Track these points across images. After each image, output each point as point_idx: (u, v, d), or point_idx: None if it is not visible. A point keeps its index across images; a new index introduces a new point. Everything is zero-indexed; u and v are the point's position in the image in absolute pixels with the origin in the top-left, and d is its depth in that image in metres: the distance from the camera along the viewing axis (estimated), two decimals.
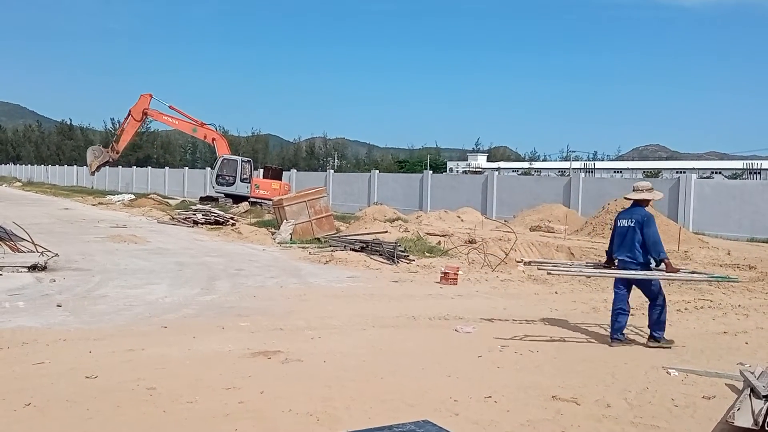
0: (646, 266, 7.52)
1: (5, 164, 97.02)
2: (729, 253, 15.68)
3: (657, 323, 7.47)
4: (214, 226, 22.02)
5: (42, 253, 12.32)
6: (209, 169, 47.91)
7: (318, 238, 17.87)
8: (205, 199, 32.39)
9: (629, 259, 7.52)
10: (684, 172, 42.98)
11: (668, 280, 8.14)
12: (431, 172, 36.18)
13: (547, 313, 9.29)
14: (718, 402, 5.46)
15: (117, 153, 31.90)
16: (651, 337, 7.51)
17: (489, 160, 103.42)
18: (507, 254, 14.13)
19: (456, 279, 11.60)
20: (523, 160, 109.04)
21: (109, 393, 5.27)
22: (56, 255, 12.41)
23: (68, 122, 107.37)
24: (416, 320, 8.55)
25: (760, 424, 4.53)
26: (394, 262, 13.51)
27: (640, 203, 7.71)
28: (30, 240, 12.90)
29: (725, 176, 67.32)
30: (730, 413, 4.85)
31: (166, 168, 59.41)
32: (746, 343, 7.76)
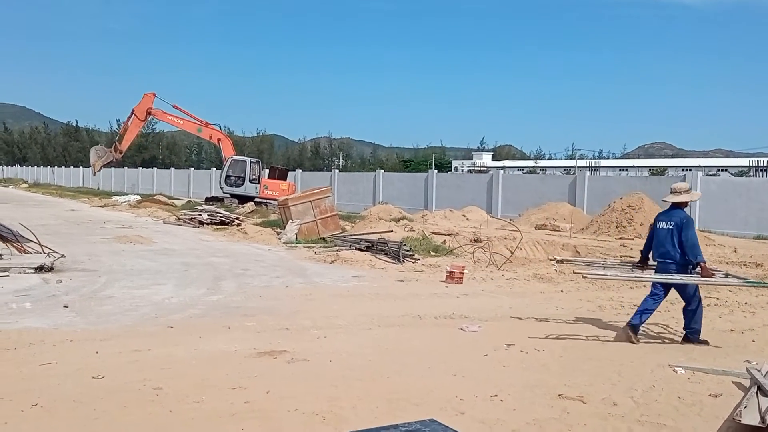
0: (685, 268, 7.51)
1: (12, 166, 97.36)
2: (735, 251, 15.64)
3: (691, 325, 7.47)
4: (220, 227, 22.06)
5: (48, 254, 12.36)
6: (214, 169, 48.03)
7: (323, 238, 17.88)
8: (210, 200, 32.40)
9: (669, 261, 7.53)
10: (690, 170, 42.78)
11: (703, 284, 8.12)
12: (436, 171, 36.14)
13: (553, 311, 9.28)
14: (725, 400, 5.44)
15: (120, 153, 31.70)
16: (686, 338, 7.52)
17: (494, 158, 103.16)
18: (512, 253, 14.11)
19: (461, 278, 11.60)
20: (529, 158, 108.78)
21: (116, 393, 5.29)
22: (63, 256, 12.46)
23: (74, 124, 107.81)
24: (422, 319, 8.55)
25: (767, 421, 4.51)
26: (400, 262, 13.51)
27: (678, 205, 7.71)
28: (36, 241, 12.95)
29: (731, 174, 67.03)
30: (737, 411, 4.83)
31: (172, 169, 59.55)
32: (753, 341, 7.74)
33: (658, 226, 7.75)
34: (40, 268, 11.48)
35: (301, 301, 9.76)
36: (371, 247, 14.75)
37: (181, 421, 4.75)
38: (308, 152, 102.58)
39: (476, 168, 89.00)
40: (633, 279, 8.32)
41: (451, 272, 11.73)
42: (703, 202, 22.79)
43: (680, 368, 6.32)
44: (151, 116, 32.20)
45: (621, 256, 9.78)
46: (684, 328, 7.62)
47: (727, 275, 8.13)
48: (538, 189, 28.06)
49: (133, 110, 30.79)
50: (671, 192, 7.82)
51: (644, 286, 11.17)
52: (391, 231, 17.09)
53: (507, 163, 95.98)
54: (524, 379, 5.95)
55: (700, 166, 68.97)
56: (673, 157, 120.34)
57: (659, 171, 70.47)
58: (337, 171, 42.48)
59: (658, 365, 6.47)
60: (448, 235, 17.17)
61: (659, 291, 7.63)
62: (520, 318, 8.79)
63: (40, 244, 12.86)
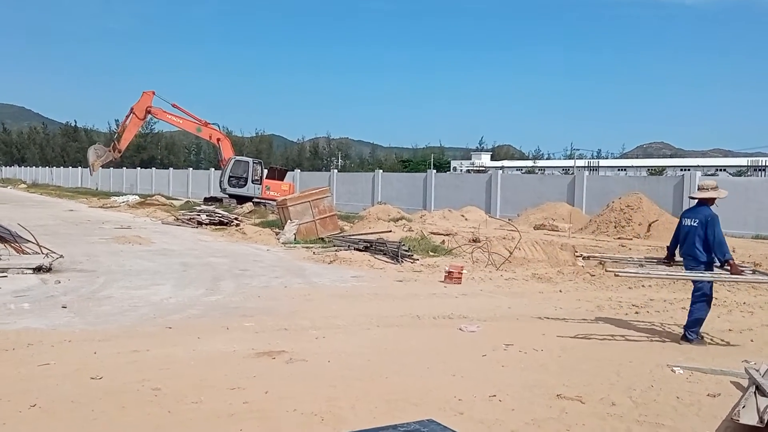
0: (708, 265, 7.51)
1: (10, 166, 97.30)
2: (734, 250, 15.59)
3: (694, 322, 7.51)
4: (219, 227, 22.06)
5: (47, 254, 12.36)
6: (213, 170, 47.98)
7: (322, 238, 17.88)
8: (209, 200, 32.36)
9: (690, 258, 7.56)
10: (688, 170, 42.80)
11: (733, 281, 8.10)
12: (435, 171, 36.12)
13: (551, 311, 9.29)
14: (723, 400, 5.44)
15: (119, 152, 31.28)
16: (684, 337, 7.53)
17: (493, 158, 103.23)
18: (511, 253, 14.12)
19: (460, 278, 11.60)
20: (527, 158, 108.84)
21: (114, 394, 5.29)
22: (61, 256, 12.45)
23: (73, 124, 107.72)
24: (420, 319, 8.55)
25: (765, 421, 4.52)
26: (398, 262, 13.52)
27: (705, 202, 7.71)
28: (35, 242, 12.94)
29: (730, 173, 67.09)
30: (735, 411, 4.84)
31: (170, 169, 59.48)
32: (751, 341, 7.75)
33: (683, 223, 7.76)
34: (38, 269, 11.47)
35: (300, 301, 9.76)
36: (370, 247, 14.76)
37: (179, 422, 4.75)
38: (307, 152, 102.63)
39: (475, 168, 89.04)
40: (664, 276, 8.27)
41: (449, 272, 11.74)
42: None
43: (678, 368, 6.32)
44: (150, 115, 31.76)
45: (645, 256, 9.70)
46: (684, 327, 7.61)
47: (754, 272, 8.09)
48: (536, 189, 28.06)
49: (132, 109, 30.39)
50: (698, 188, 7.84)
51: (649, 285, 11.21)
52: (390, 231, 17.10)
53: (506, 163, 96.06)
54: (523, 379, 5.95)
55: (698, 166, 69.10)
56: (671, 156, 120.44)
57: (658, 171, 70.52)
58: (335, 171, 42.47)
59: (657, 365, 6.48)
60: (447, 235, 17.17)
61: (701, 287, 7.63)
62: (518, 318, 8.80)
63: (38, 244, 12.85)
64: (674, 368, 6.33)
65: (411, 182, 34.59)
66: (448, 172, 66.42)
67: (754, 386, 5.19)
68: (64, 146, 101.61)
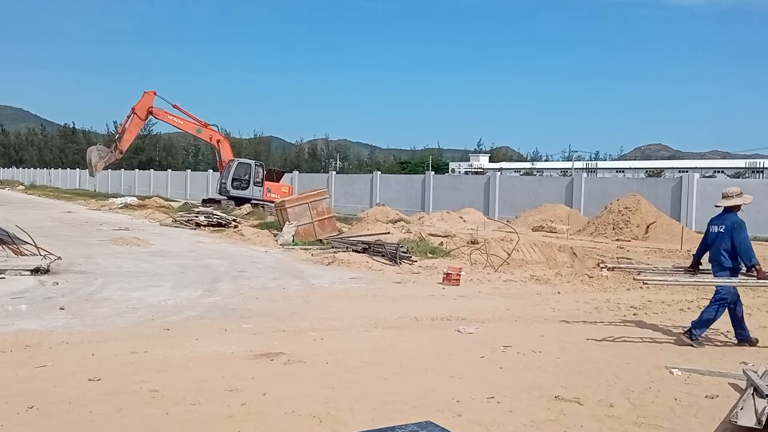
0: (733, 271, 7.54)
1: (8, 168, 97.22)
2: None
3: (703, 322, 7.49)
4: (217, 229, 22.05)
5: (45, 256, 12.33)
6: (211, 171, 47.95)
7: (320, 240, 17.88)
8: (207, 202, 32.33)
9: (716, 264, 7.61)
10: (686, 172, 42.89)
11: (761, 287, 8.08)
12: (433, 172, 36.18)
13: (549, 313, 9.29)
14: (721, 401, 5.45)
15: (121, 153, 31.07)
16: (688, 332, 7.51)
17: (491, 160, 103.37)
18: (509, 255, 14.12)
19: (458, 280, 11.60)
20: (526, 160, 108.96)
21: (112, 395, 5.28)
22: (59, 258, 12.43)
23: (71, 126, 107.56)
24: (419, 321, 8.54)
25: (764, 423, 4.52)
26: (397, 263, 13.52)
27: (731, 209, 7.75)
28: (33, 243, 12.92)
29: (728, 175, 67.17)
30: (733, 412, 4.84)
31: (169, 170, 59.44)
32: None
33: (710, 230, 7.82)
34: (36, 271, 11.46)
35: (298, 303, 9.76)
36: (368, 248, 14.76)
37: (177, 423, 4.74)
38: (305, 154, 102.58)
39: (473, 170, 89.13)
40: (692, 283, 8.28)
41: (448, 274, 11.73)
42: (699, 203, 22.84)
43: (677, 370, 6.33)
44: (151, 116, 31.38)
45: (673, 264, 9.65)
46: (693, 321, 7.60)
47: None
48: (535, 190, 28.09)
49: (133, 109, 30.12)
50: (723, 197, 7.87)
51: (647, 287, 11.21)
52: (388, 233, 17.10)
53: (504, 164, 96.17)
54: (521, 380, 5.95)
55: (696, 168, 69.25)
56: (669, 158, 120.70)
57: (656, 172, 70.66)
58: (334, 173, 42.51)
59: (655, 367, 6.48)
60: (445, 236, 17.17)
61: (721, 291, 7.63)
62: (516, 320, 8.80)
63: (36, 246, 12.83)
64: (672, 370, 6.34)
65: (409, 184, 34.62)
66: (446, 174, 66.51)
67: (752, 388, 5.19)
68: (62, 148, 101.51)
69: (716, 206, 7.98)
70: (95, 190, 56.78)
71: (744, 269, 7.53)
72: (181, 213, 27.71)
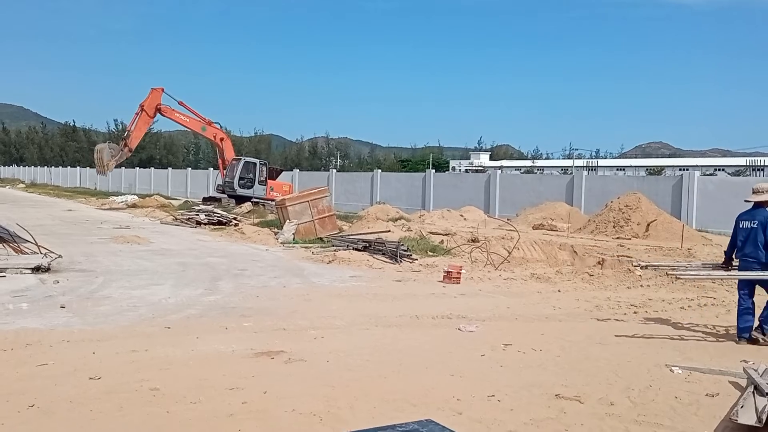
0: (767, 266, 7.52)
1: (9, 166, 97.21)
2: None
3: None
4: (217, 227, 22.05)
5: (45, 254, 12.34)
6: (212, 169, 47.94)
7: (321, 238, 17.88)
8: (208, 200, 32.30)
9: (752, 260, 7.59)
10: (687, 170, 42.85)
11: None
12: (434, 171, 36.15)
13: (550, 311, 9.29)
14: (721, 400, 5.45)
15: (130, 151, 30.58)
16: (759, 328, 7.50)
17: (492, 158, 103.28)
18: (510, 253, 14.12)
19: (459, 278, 11.60)
20: (526, 158, 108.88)
21: (113, 394, 5.28)
22: (59, 256, 12.44)
23: (71, 124, 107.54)
24: (419, 319, 8.55)
25: (764, 421, 4.52)
26: (397, 262, 13.52)
27: (761, 204, 7.74)
28: (33, 241, 12.92)
29: (728, 173, 67.18)
30: (733, 411, 4.84)
31: (169, 169, 59.44)
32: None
33: (740, 225, 7.81)
34: (37, 269, 11.46)
35: (299, 301, 9.76)
36: (369, 247, 14.76)
37: (178, 422, 4.75)
38: (306, 152, 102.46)
39: (474, 168, 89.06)
40: (725, 277, 8.26)
41: (448, 272, 11.74)
42: (700, 201, 22.84)
43: (677, 368, 6.33)
44: (159, 113, 30.44)
45: (702, 262, 9.61)
46: (759, 318, 7.56)
47: None
48: (535, 189, 28.08)
49: (141, 106, 29.62)
50: (753, 192, 7.86)
51: (648, 285, 11.22)
52: (389, 231, 17.10)
53: (504, 162, 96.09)
54: (521, 379, 5.95)
55: (697, 166, 69.17)
56: (670, 156, 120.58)
57: (656, 170, 70.59)
58: (334, 171, 42.48)
59: (655, 365, 6.48)
60: (446, 235, 17.17)
61: (743, 291, 7.64)
62: (517, 318, 8.80)
63: (37, 244, 12.84)
64: (673, 368, 6.34)
65: (410, 182, 34.60)
66: (446, 172, 66.49)
67: (753, 386, 5.20)
68: (63, 146, 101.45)
69: (746, 201, 7.98)
70: (96, 189, 56.79)
71: None
72: (181, 211, 27.72)
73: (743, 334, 7.53)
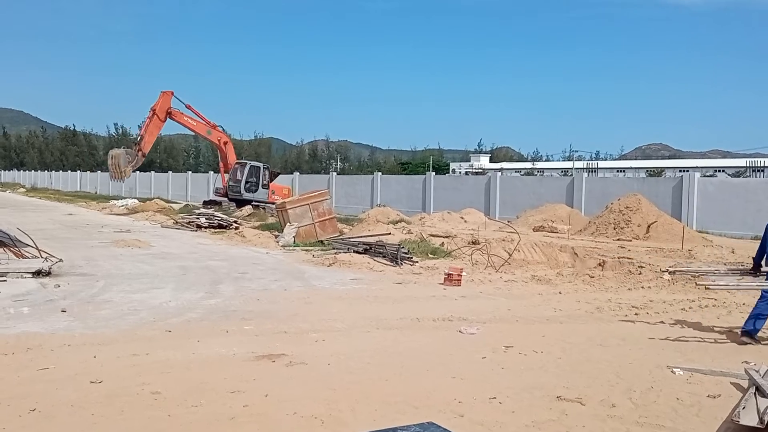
0: None
1: (9, 170, 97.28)
2: (733, 252, 15.64)
3: None
4: (218, 230, 22.04)
5: (46, 258, 12.34)
6: (212, 172, 47.98)
7: (321, 241, 17.88)
8: (208, 203, 32.32)
9: None
10: (687, 171, 42.88)
11: None
12: (434, 173, 36.19)
13: (551, 313, 9.29)
14: (723, 401, 5.44)
15: (143, 156, 30.36)
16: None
17: (492, 160, 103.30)
18: (510, 255, 14.12)
19: (459, 280, 11.60)
20: (526, 160, 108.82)
21: (114, 398, 5.28)
22: (60, 260, 12.44)
23: (72, 128, 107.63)
24: (420, 322, 8.55)
25: (766, 422, 4.52)
26: (398, 264, 13.52)
27: None
28: (34, 245, 12.93)
29: (728, 174, 67.17)
30: (735, 412, 4.84)
31: (170, 172, 59.47)
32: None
33: None
34: (37, 273, 11.46)
35: (300, 304, 9.76)
36: (369, 249, 14.76)
37: (179, 425, 4.75)
38: (306, 155, 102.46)
39: (474, 170, 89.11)
40: (755, 287, 8.09)
41: (449, 274, 11.73)
42: (700, 202, 22.86)
43: (678, 369, 6.33)
44: (169, 117, 30.24)
45: (729, 268, 9.50)
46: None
47: None
48: (535, 191, 28.10)
49: (153, 110, 29.48)
50: None
51: (649, 287, 11.22)
52: (389, 233, 17.10)
53: (504, 164, 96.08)
54: (523, 381, 5.95)
55: (697, 167, 69.18)
56: (670, 158, 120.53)
57: (657, 172, 70.57)
58: (334, 174, 42.50)
59: (657, 366, 6.48)
60: (446, 237, 17.17)
61: (767, 295, 7.61)
62: (518, 320, 8.79)
63: (37, 248, 12.84)
64: (674, 369, 6.34)
65: (410, 184, 34.63)
66: (447, 175, 66.55)
67: (754, 387, 5.19)
68: (63, 150, 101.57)
69: None
70: (96, 193, 56.82)
71: None
72: (182, 215, 27.72)
73: (749, 333, 7.51)
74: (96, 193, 56.75)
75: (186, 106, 30.39)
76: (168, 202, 38.96)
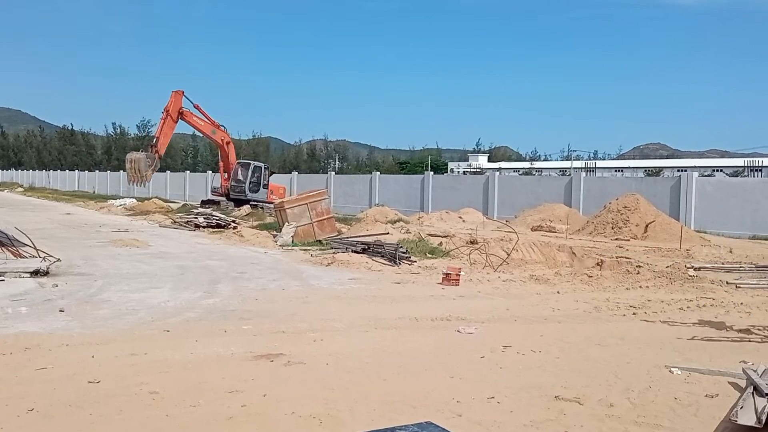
0: None
1: (7, 170, 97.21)
2: (731, 251, 15.68)
3: None
4: (216, 230, 22.04)
5: (44, 258, 12.33)
6: (210, 172, 47.97)
7: (320, 241, 17.88)
8: (206, 203, 32.32)
9: None
10: (685, 171, 42.94)
11: None
12: (432, 173, 36.21)
13: (549, 312, 9.29)
14: (721, 400, 5.45)
15: (160, 157, 30.36)
16: None
17: (490, 160, 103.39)
18: (509, 254, 14.13)
19: (458, 280, 11.60)
20: (524, 159, 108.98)
21: (112, 397, 5.28)
22: (58, 260, 12.43)
23: (70, 127, 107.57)
24: (418, 321, 8.55)
25: (764, 422, 4.53)
26: (396, 264, 13.52)
27: None
28: (32, 245, 12.92)
29: (726, 174, 67.24)
30: (733, 411, 4.85)
31: (168, 172, 59.43)
32: (749, 341, 7.75)
33: None
34: (35, 273, 11.45)
35: (298, 303, 9.76)
36: (368, 249, 14.76)
37: (177, 425, 4.74)
38: (304, 154, 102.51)
39: (472, 170, 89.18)
40: None
41: (447, 274, 11.74)
42: (698, 202, 22.88)
43: (676, 369, 6.33)
44: (180, 118, 30.09)
45: (756, 265, 9.34)
46: None
47: None
48: (534, 190, 28.13)
49: (166, 110, 29.27)
50: None
51: (647, 286, 11.23)
52: (388, 233, 17.11)
53: (503, 164, 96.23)
54: (521, 380, 5.95)
55: (695, 167, 69.28)
56: (668, 157, 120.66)
57: (655, 172, 70.68)
58: (333, 173, 42.54)
59: (655, 366, 6.48)
60: (445, 236, 17.19)
61: None
62: (516, 319, 8.80)
63: (35, 248, 12.83)
64: (672, 369, 6.34)
65: (408, 184, 34.65)
66: (445, 174, 66.57)
67: (752, 387, 5.20)
68: (61, 149, 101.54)
69: None
70: (94, 192, 56.77)
71: None
72: (180, 214, 27.71)
73: None
74: (94, 192, 56.69)
75: (194, 106, 30.31)
76: (166, 201, 38.96)
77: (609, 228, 19.22)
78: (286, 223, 18.40)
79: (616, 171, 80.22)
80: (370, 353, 6.85)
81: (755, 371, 5.55)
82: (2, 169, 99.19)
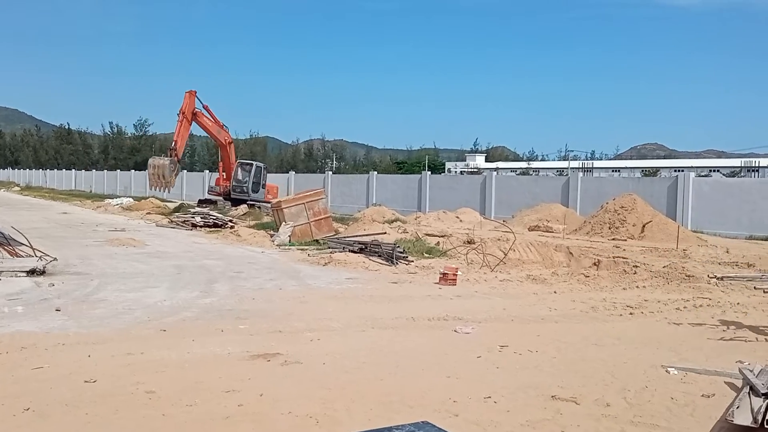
0: None
1: (3, 169, 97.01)
2: (728, 251, 15.70)
3: None
4: (213, 229, 22.02)
5: (40, 257, 12.31)
6: (207, 171, 47.93)
7: (317, 240, 17.87)
8: (203, 202, 32.27)
9: None
10: (682, 171, 43.02)
11: None
12: (429, 172, 36.18)
13: (546, 312, 9.30)
14: (717, 400, 5.46)
15: (179, 160, 29.98)
16: None
17: (487, 160, 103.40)
18: (506, 254, 14.13)
19: (455, 280, 11.60)
20: (522, 159, 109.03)
21: (108, 397, 5.27)
22: (55, 259, 12.40)
23: (66, 126, 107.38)
24: (415, 321, 8.55)
25: (760, 422, 4.53)
26: (393, 264, 13.52)
27: None
28: (28, 244, 12.89)
29: (723, 174, 67.37)
30: (729, 411, 4.85)
31: None
32: (745, 341, 7.77)
33: None
34: (32, 272, 11.43)
35: (295, 303, 9.75)
36: (365, 249, 14.75)
37: (174, 425, 4.74)
38: (301, 154, 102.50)
39: (469, 169, 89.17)
40: None
41: (444, 274, 11.74)
42: (695, 202, 22.92)
43: (673, 369, 6.34)
44: (193, 119, 29.68)
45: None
46: None
47: None
48: (531, 190, 28.16)
49: (182, 112, 28.93)
50: None
51: (644, 286, 11.25)
52: (385, 233, 17.10)
53: (500, 164, 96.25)
54: (518, 380, 5.96)
55: (692, 167, 69.33)
56: (665, 158, 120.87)
57: (652, 172, 70.78)
58: (330, 173, 42.51)
59: (651, 366, 6.49)
60: (442, 236, 17.19)
61: None
62: (513, 319, 8.80)
63: (31, 247, 12.81)
64: (669, 369, 6.35)
65: (405, 184, 34.65)
66: (442, 174, 66.53)
67: (748, 386, 5.21)
68: (58, 149, 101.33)
69: None
70: (91, 191, 56.68)
71: None
72: (177, 214, 27.66)
73: None
74: (91, 191, 56.60)
75: (204, 107, 30.08)
76: (163, 200, 38.88)
77: (606, 228, 19.24)
78: (284, 223, 18.39)
79: (613, 171, 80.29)
80: (367, 353, 6.85)
81: (751, 371, 5.56)
82: None
